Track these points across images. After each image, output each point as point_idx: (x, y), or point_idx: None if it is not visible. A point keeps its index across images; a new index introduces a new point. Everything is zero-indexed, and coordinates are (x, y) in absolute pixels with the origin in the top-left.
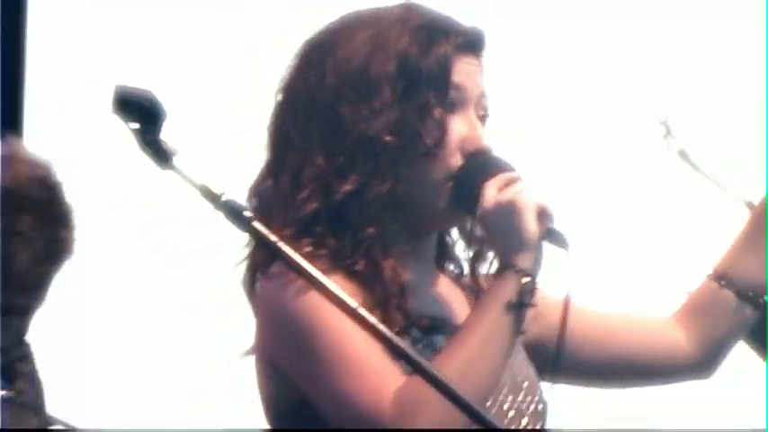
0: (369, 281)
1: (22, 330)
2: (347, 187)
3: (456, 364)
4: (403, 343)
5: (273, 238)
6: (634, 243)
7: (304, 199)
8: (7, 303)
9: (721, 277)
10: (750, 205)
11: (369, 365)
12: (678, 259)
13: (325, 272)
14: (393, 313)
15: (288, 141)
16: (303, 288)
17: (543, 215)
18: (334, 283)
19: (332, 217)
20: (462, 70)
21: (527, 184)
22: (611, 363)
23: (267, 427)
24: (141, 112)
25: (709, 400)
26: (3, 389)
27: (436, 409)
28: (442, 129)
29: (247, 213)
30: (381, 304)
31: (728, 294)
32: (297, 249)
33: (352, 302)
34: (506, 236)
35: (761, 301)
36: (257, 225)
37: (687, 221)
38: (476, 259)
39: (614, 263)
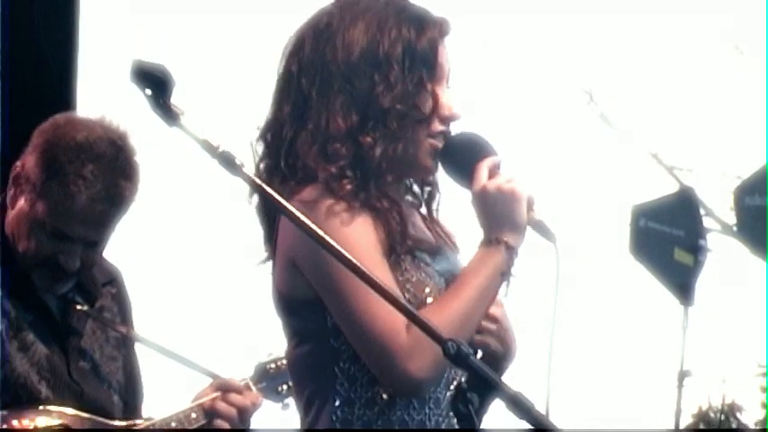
0: (388, 216)
1: (90, 259)
2: (377, 148)
3: (455, 314)
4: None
5: (259, 182)
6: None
7: (339, 150)
8: (70, 232)
9: None
10: (656, 158)
11: (382, 305)
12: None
13: (362, 210)
14: (404, 240)
15: (307, 102)
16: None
17: (530, 205)
18: (369, 221)
19: (365, 168)
20: (440, 52)
21: (513, 172)
22: None
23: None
24: (153, 81)
25: None
26: (82, 304)
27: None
28: (435, 99)
29: (239, 161)
30: (396, 233)
31: None
32: (339, 187)
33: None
34: (502, 217)
35: None
36: (247, 171)
37: (604, 168)
38: (430, 197)
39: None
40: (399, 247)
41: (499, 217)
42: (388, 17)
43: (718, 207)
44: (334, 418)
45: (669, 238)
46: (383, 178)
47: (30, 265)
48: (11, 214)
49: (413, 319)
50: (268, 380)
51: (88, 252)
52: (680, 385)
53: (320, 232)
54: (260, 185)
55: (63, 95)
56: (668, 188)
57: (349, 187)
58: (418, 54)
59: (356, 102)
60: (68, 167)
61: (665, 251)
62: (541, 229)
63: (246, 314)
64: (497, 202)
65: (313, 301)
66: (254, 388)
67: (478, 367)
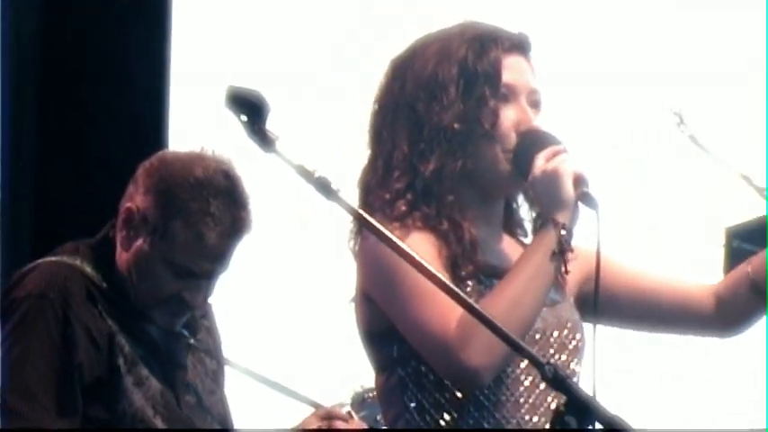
0: (450, 237)
1: (211, 291)
2: (429, 166)
3: (505, 299)
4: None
5: (355, 207)
6: (653, 211)
7: (397, 176)
8: (198, 270)
9: (754, 287)
10: (747, 179)
11: (436, 299)
12: (686, 226)
13: (418, 229)
14: (466, 263)
15: (380, 138)
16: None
17: (579, 181)
18: (426, 239)
19: (420, 189)
20: (511, 68)
21: (570, 155)
22: (643, 310)
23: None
24: (249, 107)
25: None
26: (189, 337)
27: (487, 339)
28: (496, 115)
29: (335, 186)
30: (458, 255)
31: (757, 299)
32: (393, 210)
33: (419, 258)
34: (549, 197)
35: None
36: (342, 196)
37: (694, 193)
38: (538, 219)
39: (637, 230)
40: (461, 269)
41: (547, 198)
42: (451, 42)
43: None
44: None
45: None
46: (443, 198)
47: (151, 303)
48: (125, 256)
49: (482, 320)
50: (366, 409)
51: (209, 285)
52: None
53: (385, 231)
54: (355, 210)
55: (155, 125)
56: (759, 210)
57: (403, 208)
58: (479, 73)
59: (418, 128)
60: (193, 205)
61: None
62: (586, 199)
63: (337, 345)
64: (543, 185)
65: (384, 333)
66: (356, 417)
67: (576, 390)
